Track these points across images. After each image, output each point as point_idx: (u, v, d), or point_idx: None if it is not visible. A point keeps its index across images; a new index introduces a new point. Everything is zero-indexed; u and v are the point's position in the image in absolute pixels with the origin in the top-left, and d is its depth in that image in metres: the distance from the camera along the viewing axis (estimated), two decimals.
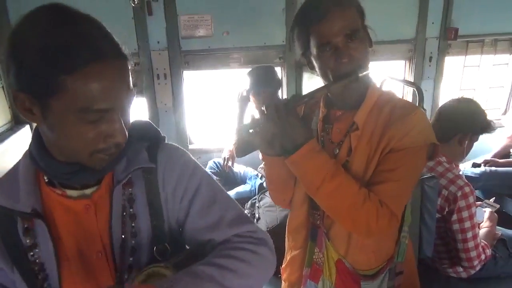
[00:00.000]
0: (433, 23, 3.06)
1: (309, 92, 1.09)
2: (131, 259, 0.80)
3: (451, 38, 3.08)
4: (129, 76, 0.70)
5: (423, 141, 1.06)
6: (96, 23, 0.68)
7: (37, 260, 0.77)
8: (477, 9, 3.03)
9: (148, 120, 0.90)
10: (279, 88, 2.66)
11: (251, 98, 2.55)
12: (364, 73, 1.06)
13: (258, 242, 0.82)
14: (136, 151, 0.82)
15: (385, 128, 1.07)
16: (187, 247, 0.90)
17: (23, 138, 2.68)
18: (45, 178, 0.79)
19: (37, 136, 0.77)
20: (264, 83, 2.49)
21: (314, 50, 1.07)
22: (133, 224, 0.80)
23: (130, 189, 0.81)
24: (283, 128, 1.03)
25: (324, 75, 1.10)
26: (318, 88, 1.09)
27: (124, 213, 0.80)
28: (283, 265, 1.38)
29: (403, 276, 1.21)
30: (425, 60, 3.14)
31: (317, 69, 1.11)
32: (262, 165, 2.65)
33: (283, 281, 1.40)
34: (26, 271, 0.77)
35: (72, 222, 0.79)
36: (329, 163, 1.05)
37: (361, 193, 1.03)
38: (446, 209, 1.72)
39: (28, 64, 0.64)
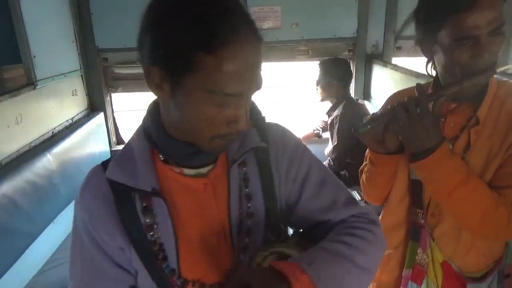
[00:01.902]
0: None
1: (439, 89, 0.97)
2: (247, 239, 0.78)
3: None
4: (262, 60, 0.66)
5: None
6: (239, 2, 0.65)
7: (156, 240, 0.75)
8: None
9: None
10: (350, 82, 2.58)
11: (319, 89, 2.50)
12: (503, 68, 0.94)
13: (373, 222, 0.80)
14: (247, 132, 0.78)
15: (510, 123, 0.97)
16: (289, 228, 0.88)
17: (98, 124, 2.83)
18: (161, 156, 0.77)
19: (154, 114, 0.75)
20: (335, 76, 2.42)
21: (446, 40, 0.94)
22: (249, 205, 0.78)
23: (244, 168, 0.79)
24: (412, 131, 0.95)
25: (450, 68, 0.98)
26: (449, 85, 0.97)
27: (240, 193, 0.78)
28: None
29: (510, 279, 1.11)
30: None
31: (440, 60, 1.00)
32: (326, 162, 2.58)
33: None
34: (144, 251, 0.74)
35: (191, 201, 0.77)
36: (463, 166, 0.97)
37: (494, 196, 0.95)
38: None
39: (167, 39, 0.62)
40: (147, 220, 0.74)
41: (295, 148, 0.83)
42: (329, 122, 2.53)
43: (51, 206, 2.08)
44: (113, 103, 3.03)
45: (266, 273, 0.63)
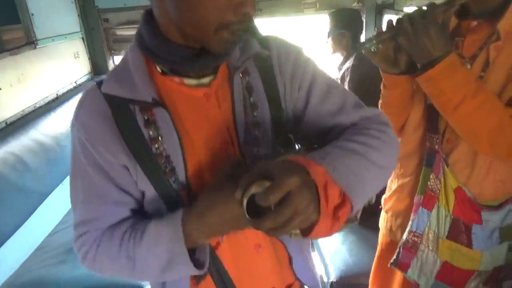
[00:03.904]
0: None
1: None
2: (256, 149, 0.75)
3: None
4: None
5: None
6: None
7: (162, 153, 0.71)
8: None
9: None
10: (361, 33, 2.48)
11: (330, 41, 2.40)
12: None
13: (385, 123, 0.76)
14: (247, 40, 0.76)
15: None
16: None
17: None
18: (158, 68, 0.73)
19: (148, 24, 0.71)
20: (347, 26, 2.32)
21: None
22: (255, 114, 0.75)
23: (247, 78, 0.76)
24: (417, 42, 0.92)
25: None
26: None
27: (245, 103, 0.75)
28: (385, 196, 1.29)
29: None
30: None
31: None
32: None
33: (384, 212, 1.31)
34: (151, 165, 0.71)
35: (195, 111, 0.73)
36: (471, 78, 0.92)
37: (507, 112, 0.90)
38: None
39: None
40: (151, 133, 0.70)
41: (298, 55, 0.80)
42: (340, 75, 2.44)
43: (60, 167, 2.05)
44: None
45: (285, 162, 0.61)
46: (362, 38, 2.65)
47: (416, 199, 1.13)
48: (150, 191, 0.73)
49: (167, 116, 0.69)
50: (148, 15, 0.72)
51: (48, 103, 2.19)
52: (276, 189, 0.55)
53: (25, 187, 1.78)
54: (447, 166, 1.05)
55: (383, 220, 1.32)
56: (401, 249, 1.17)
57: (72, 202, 0.77)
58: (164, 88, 0.72)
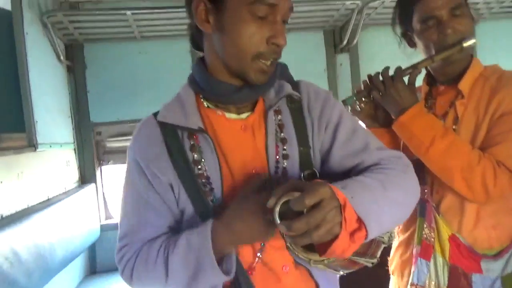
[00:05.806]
0: None
1: (413, 64, 1.13)
2: (283, 178, 0.85)
3: None
4: None
5: None
6: None
7: (204, 173, 0.83)
8: None
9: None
10: None
11: None
12: (469, 42, 1.07)
13: (406, 165, 0.86)
14: (281, 83, 0.91)
15: (493, 93, 1.08)
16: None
17: (88, 194, 2.80)
18: (204, 103, 0.89)
19: (199, 66, 0.88)
20: None
21: (417, 26, 1.12)
22: (284, 147, 0.87)
23: (279, 116, 0.89)
24: (389, 96, 1.10)
25: (426, 49, 1.14)
26: (422, 60, 1.13)
27: (276, 137, 0.87)
28: (390, 257, 1.32)
29: None
30: None
31: (420, 45, 1.17)
32: None
33: (391, 275, 1.31)
34: (192, 185, 0.82)
35: (233, 140, 0.86)
36: (439, 122, 1.08)
37: (475, 152, 1.03)
38: None
39: None
40: (195, 156, 0.83)
41: (326, 97, 0.92)
42: None
43: (49, 265, 1.97)
44: (103, 176, 3.04)
45: (313, 181, 0.71)
46: None
47: (415, 250, 1.16)
48: (189, 209, 0.84)
49: (210, 142, 0.82)
50: (200, 60, 0.92)
51: (40, 203, 2.21)
52: (311, 194, 0.63)
53: (14, 280, 1.69)
54: (439, 215, 1.14)
55: (393, 285, 1.31)
56: None
57: (120, 216, 0.88)
58: (208, 119, 0.87)
